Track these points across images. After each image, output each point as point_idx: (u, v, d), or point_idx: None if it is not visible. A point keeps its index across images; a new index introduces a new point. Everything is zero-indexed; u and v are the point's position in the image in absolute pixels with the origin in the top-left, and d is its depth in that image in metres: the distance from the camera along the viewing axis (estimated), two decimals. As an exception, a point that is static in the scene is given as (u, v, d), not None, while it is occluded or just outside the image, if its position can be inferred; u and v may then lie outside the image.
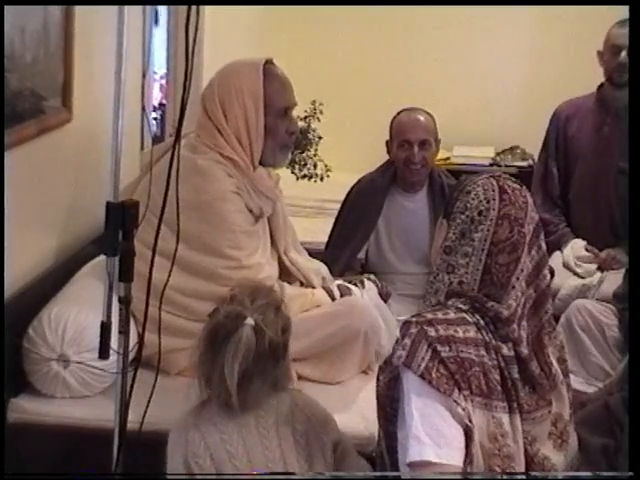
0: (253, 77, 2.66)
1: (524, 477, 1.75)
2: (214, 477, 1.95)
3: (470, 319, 1.77)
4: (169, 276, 2.12)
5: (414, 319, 1.77)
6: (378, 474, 1.86)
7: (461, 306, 1.80)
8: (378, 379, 1.81)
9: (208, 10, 4.03)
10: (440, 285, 1.85)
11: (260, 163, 2.73)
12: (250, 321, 1.93)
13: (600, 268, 3.61)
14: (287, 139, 2.75)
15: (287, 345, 2.02)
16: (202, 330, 2.02)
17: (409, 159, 3.29)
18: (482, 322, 1.78)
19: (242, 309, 1.96)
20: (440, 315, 1.77)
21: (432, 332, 1.72)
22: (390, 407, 1.78)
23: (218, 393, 1.97)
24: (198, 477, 1.95)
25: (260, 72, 2.67)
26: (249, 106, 2.65)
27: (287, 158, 2.85)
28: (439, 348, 1.71)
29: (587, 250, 3.67)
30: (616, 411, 2.17)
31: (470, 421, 1.68)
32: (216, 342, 1.96)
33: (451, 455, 1.65)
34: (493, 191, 1.84)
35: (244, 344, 1.92)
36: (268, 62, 2.72)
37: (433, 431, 1.65)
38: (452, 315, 1.77)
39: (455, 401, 1.68)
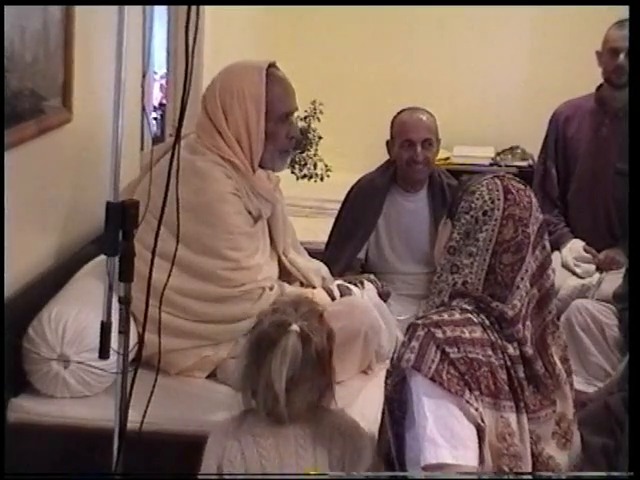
0: (256, 81, 2.64)
1: (531, 477, 1.75)
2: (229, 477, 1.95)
3: (475, 319, 1.78)
4: (169, 277, 2.12)
5: (420, 321, 1.77)
6: (390, 474, 1.85)
7: (466, 306, 1.80)
8: (386, 383, 1.81)
9: (208, 10, 4.03)
10: (444, 285, 1.85)
11: (260, 166, 2.73)
12: (295, 327, 1.93)
13: (599, 269, 3.61)
14: (287, 143, 2.74)
15: (332, 354, 2.00)
16: (246, 342, 2.01)
17: (412, 159, 3.29)
18: (487, 322, 1.78)
19: (286, 317, 1.96)
20: (446, 316, 1.77)
21: (439, 334, 1.72)
22: (399, 410, 1.78)
23: (264, 402, 1.96)
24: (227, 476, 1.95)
25: (263, 76, 2.64)
26: (250, 110, 2.63)
27: (286, 162, 2.84)
28: (448, 350, 1.71)
29: (585, 251, 3.68)
30: (616, 411, 2.17)
31: (482, 421, 1.69)
32: (261, 351, 1.95)
33: (467, 456, 1.65)
34: (497, 191, 1.84)
35: (291, 350, 1.91)
36: (271, 65, 2.70)
37: (448, 433, 1.66)
38: (458, 316, 1.77)
39: (467, 402, 1.68)
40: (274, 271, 2.81)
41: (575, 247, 3.69)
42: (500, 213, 1.82)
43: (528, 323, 1.81)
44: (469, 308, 1.80)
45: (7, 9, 2.24)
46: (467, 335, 1.74)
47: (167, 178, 2.02)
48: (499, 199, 1.83)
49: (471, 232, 1.83)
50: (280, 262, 2.87)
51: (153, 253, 2.04)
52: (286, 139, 2.72)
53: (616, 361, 3.21)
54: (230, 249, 2.60)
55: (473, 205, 1.84)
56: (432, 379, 1.69)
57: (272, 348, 1.92)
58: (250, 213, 2.70)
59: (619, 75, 3.55)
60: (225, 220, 2.61)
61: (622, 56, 3.51)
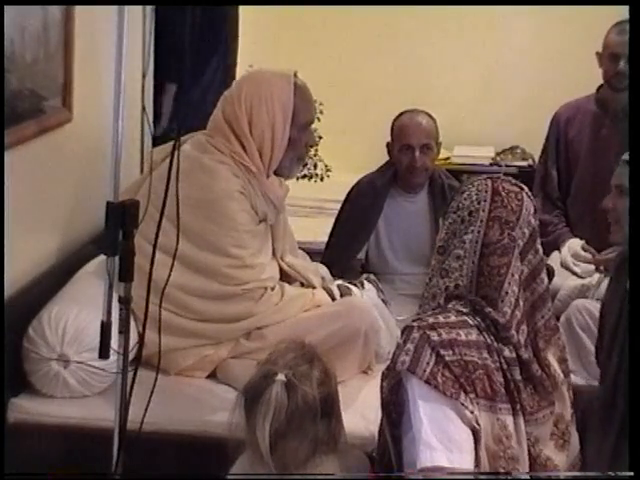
0: (285, 89, 2.67)
1: (528, 478, 1.75)
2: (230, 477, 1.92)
3: (471, 322, 1.77)
4: (170, 273, 2.12)
5: (415, 324, 1.76)
6: (383, 475, 1.85)
7: (461, 309, 1.80)
8: (382, 385, 1.80)
9: (208, 10, 4.02)
10: (436, 290, 1.85)
11: (275, 173, 2.74)
12: (281, 377, 1.84)
13: (598, 269, 3.61)
14: (304, 151, 2.79)
15: (328, 399, 1.88)
16: (238, 395, 1.93)
17: (411, 163, 3.28)
18: (483, 325, 1.78)
19: (272, 367, 1.88)
20: (441, 318, 1.77)
21: (435, 336, 1.72)
22: (395, 412, 1.77)
23: (255, 454, 1.86)
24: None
25: (291, 84, 2.68)
26: (278, 117, 2.65)
27: (299, 169, 2.88)
28: (443, 352, 1.71)
29: (584, 250, 3.67)
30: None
31: (478, 424, 1.69)
32: (248, 404, 1.87)
33: (462, 459, 1.65)
34: (486, 192, 1.84)
35: (274, 401, 1.82)
36: (294, 74, 2.74)
37: (443, 436, 1.66)
38: (453, 318, 1.77)
39: (462, 404, 1.68)
40: (276, 272, 2.81)
41: (573, 246, 3.69)
42: (485, 214, 1.82)
43: (523, 327, 1.81)
44: (465, 310, 1.79)
45: (7, 9, 2.25)
46: (463, 337, 1.74)
47: (168, 175, 2.03)
48: (485, 200, 1.83)
49: (457, 232, 1.83)
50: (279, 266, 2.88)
51: (154, 249, 2.04)
52: (304, 147, 2.77)
53: (616, 361, 3.21)
54: (235, 247, 2.61)
55: (460, 205, 1.85)
56: (427, 382, 1.68)
57: (257, 400, 1.84)
58: (256, 213, 2.70)
59: (620, 80, 3.55)
60: (231, 217, 2.61)
61: (622, 63, 3.52)
